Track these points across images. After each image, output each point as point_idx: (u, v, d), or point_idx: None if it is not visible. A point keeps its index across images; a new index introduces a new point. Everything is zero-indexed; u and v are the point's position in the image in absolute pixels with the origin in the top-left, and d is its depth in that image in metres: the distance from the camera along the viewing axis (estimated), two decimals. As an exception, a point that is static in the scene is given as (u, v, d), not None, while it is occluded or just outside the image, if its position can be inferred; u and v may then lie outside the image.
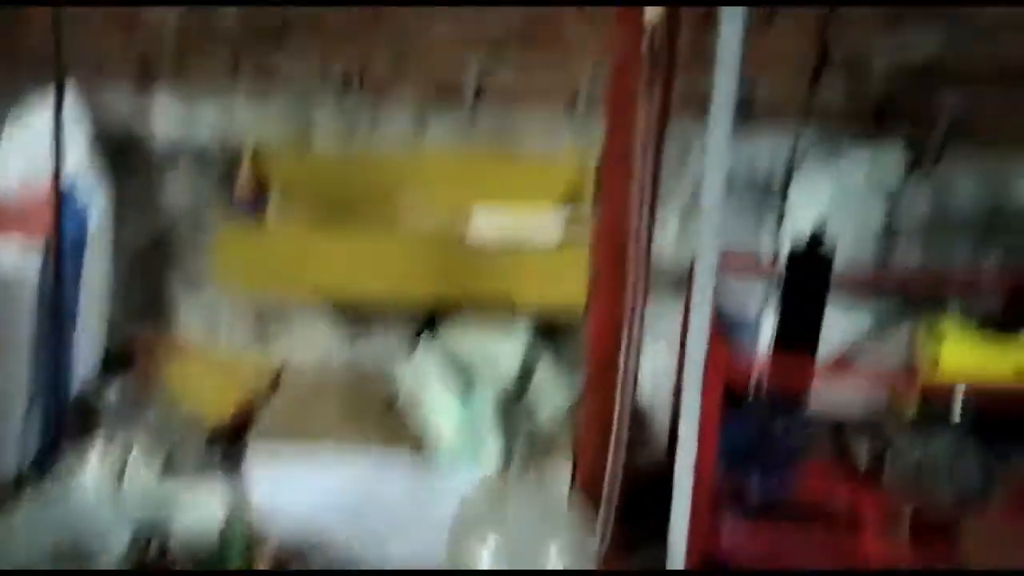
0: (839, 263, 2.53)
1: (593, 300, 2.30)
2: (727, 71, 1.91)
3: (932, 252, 2.81)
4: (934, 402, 2.49)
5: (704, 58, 1.96)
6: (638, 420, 2.54)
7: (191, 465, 2.57)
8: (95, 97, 2.88)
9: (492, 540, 2.16)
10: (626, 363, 2.18)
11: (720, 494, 2.45)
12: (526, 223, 2.77)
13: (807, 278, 2.49)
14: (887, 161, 2.75)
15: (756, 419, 2.53)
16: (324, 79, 2.92)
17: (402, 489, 2.52)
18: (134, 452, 2.48)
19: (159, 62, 2.94)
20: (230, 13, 2.87)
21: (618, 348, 2.18)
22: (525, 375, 2.76)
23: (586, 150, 2.78)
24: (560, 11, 2.79)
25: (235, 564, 2.38)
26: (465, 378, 2.66)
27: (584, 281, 2.36)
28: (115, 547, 2.28)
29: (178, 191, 3.01)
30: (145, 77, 2.95)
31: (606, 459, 2.20)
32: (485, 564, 2.14)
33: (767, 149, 2.82)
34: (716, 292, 2.02)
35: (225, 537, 2.39)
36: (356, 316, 3.05)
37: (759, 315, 2.57)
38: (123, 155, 2.94)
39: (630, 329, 2.17)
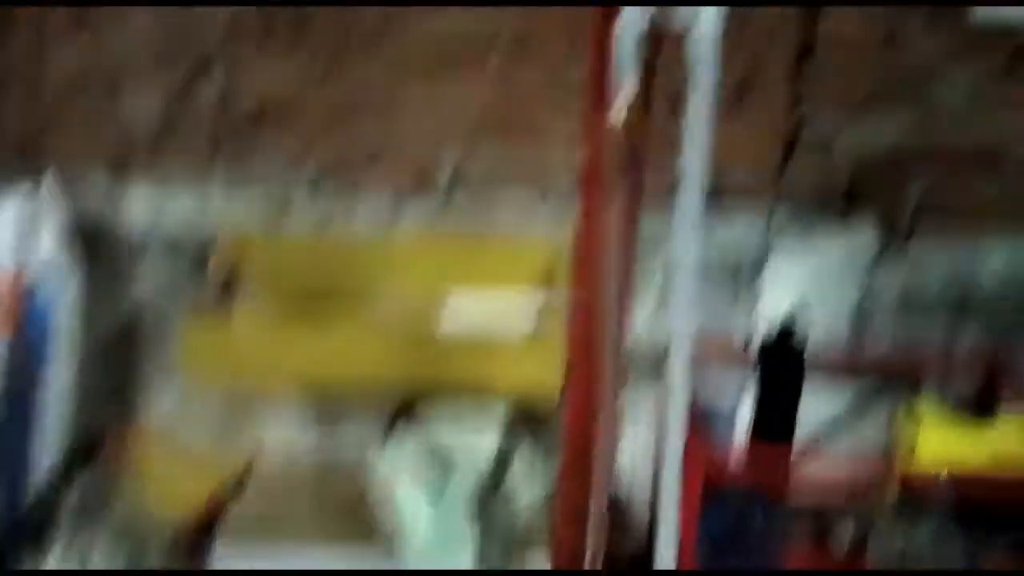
0: (814, 344, 2.52)
1: (568, 387, 2.27)
2: (695, 154, 1.92)
3: (906, 330, 2.82)
4: (914, 488, 2.46)
5: (676, 143, 1.98)
6: (617, 508, 2.49)
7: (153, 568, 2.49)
8: (70, 186, 2.87)
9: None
10: (602, 451, 2.15)
11: (701, 584, 2.40)
12: (500, 309, 2.76)
13: (781, 369, 2.49)
14: (859, 241, 2.77)
15: (735, 508, 2.49)
16: (299, 167, 2.93)
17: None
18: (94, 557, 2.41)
19: (134, 151, 2.94)
20: (207, 103, 2.89)
21: (595, 436, 2.15)
22: (501, 464, 2.72)
23: (560, 236, 2.78)
24: (534, 100, 2.83)
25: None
26: (439, 469, 2.62)
27: (559, 368, 2.34)
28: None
29: (150, 279, 2.99)
30: (120, 166, 2.95)
31: (584, 549, 2.15)
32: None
33: (740, 232, 2.83)
34: (692, 380, 2.00)
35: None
36: (328, 406, 3.01)
37: (736, 404, 2.55)
38: (95, 243, 2.92)
39: (606, 416, 2.14)
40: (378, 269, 2.85)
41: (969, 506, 2.41)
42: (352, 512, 2.65)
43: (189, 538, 2.63)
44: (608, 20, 1.88)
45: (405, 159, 2.90)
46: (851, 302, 2.74)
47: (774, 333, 2.53)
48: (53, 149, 2.71)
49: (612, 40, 1.87)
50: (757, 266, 2.82)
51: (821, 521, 2.61)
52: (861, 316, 2.76)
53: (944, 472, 2.40)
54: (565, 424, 2.27)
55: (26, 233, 2.56)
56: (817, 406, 2.63)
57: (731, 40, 2.57)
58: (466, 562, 2.46)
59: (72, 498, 2.74)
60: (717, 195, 2.75)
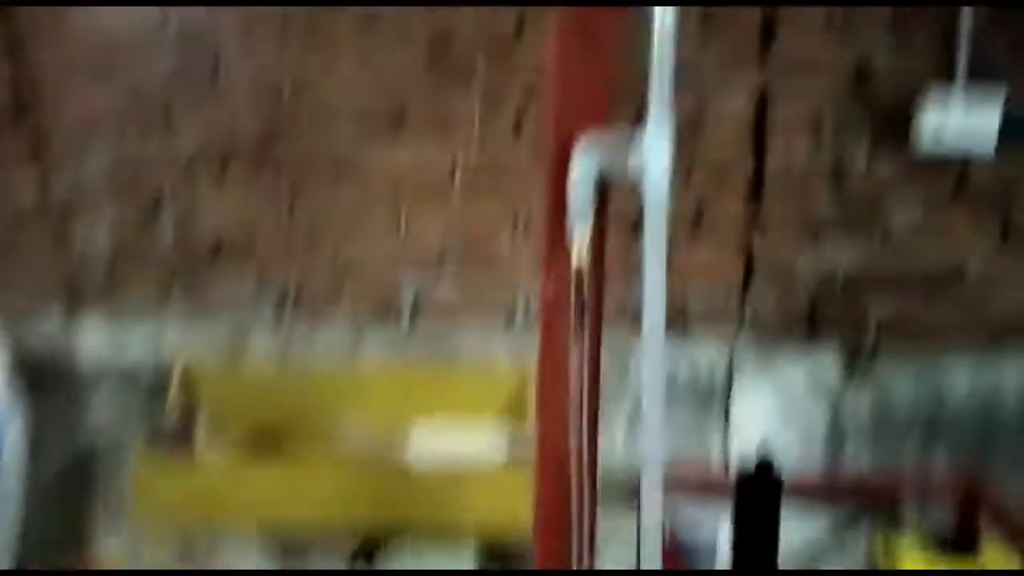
0: (788, 471, 2.49)
1: (538, 520, 2.21)
2: (653, 280, 1.92)
3: (878, 452, 2.80)
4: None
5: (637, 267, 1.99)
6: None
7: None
8: (21, 319, 2.81)
9: None
10: (577, 586, 2.07)
11: None
12: (466, 441, 2.71)
13: (758, 502, 2.45)
14: (824, 364, 2.78)
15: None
16: (259, 298, 2.90)
17: None
18: None
19: (88, 284, 2.89)
20: (165, 234, 2.87)
21: (569, 569, 2.08)
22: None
23: (524, 364, 2.76)
24: (496, 229, 2.84)
25: None
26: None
27: (529, 501, 2.28)
28: None
29: (104, 413, 2.90)
30: (73, 299, 2.90)
31: None
32: None
33: (706, 357, 2.83)
34: (667, 511, 1.95)
35: None
36: (291, 544, 2.90)
37: (714, 536, 2.50)
38: (47, 377, 2.84)
39: (580, 547, 2.08)
40: (341, 400, 2.80)
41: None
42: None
43: None
44: (563, 157, 1.91)
45: (366, 288, 2.89)
46: (821, 426, 2.73)
47: (749, 466, 2.50)
48: (5, 279, 2.66)
49: (567, 178, 1.89)
50: (726, 390, 2.81)
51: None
52: (833, 440, 2.75)
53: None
54: (537, 559, 2.20)
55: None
56: (795, 533, 2.58)
57: (682, 178, 2.65)
58: None
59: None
60: (681, 320, 2.79)
